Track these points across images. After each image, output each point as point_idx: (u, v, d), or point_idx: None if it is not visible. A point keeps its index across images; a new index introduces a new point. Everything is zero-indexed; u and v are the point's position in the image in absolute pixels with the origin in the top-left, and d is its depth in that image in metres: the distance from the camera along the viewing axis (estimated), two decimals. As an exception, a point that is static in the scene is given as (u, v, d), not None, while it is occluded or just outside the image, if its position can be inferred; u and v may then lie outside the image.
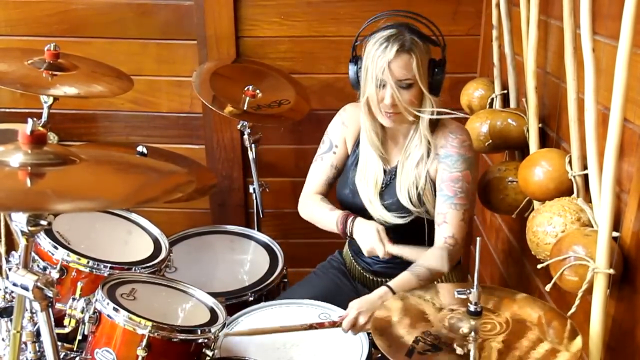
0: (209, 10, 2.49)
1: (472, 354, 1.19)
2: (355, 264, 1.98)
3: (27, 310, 1.53)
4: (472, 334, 1.25)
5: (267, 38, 2.56)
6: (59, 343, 1.66)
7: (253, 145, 2.36)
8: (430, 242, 1.80)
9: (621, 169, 1.36)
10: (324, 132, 1.96)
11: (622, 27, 1.20)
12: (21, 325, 1.39)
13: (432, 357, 1.21)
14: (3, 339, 1.76)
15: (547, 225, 1.47)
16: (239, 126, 2.35)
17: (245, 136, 2.35)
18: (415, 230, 1.81)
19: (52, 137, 2.31)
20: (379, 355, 1.65)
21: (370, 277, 1.93)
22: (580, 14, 1.34)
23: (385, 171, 1.83)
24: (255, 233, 2.33)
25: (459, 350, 1.21)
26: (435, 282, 1.70)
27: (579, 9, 1.36)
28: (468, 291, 1.30)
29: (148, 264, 1.82)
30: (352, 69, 1.77)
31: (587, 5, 1.33)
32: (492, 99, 2.20)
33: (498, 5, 2.06)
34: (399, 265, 1.87)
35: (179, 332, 1.54)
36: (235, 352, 1.64)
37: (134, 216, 2.03)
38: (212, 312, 1.69)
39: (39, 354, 1.49)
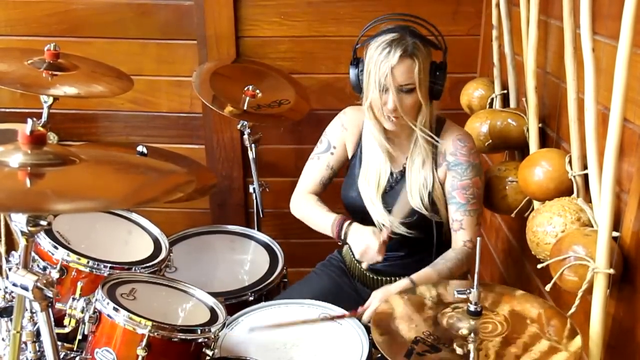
0: (209, 10, 2.49)
1: (471, 355, 1.19)
2: (355, 262, 1.98)
3: (27, 310, 1.53)
4: (472, 335, 1.25)
5: (267, 38, 2.56)
6: (59, 343, 1.66)
7: (253, 145, 2.36)
8: (438, 248, 1.84)
9: (621, 169, 1.36)
10: (324, 132, 1.96)
11: (622, 27, 1.20)
12: (21, 325, 1.39)
13: (431, 358, 1.21)
14: (3, 339, 1.76)
15: (547, 225, 1.47)
16: (239, 126, 2.35)
17: (245, 136, 2.35)
18: (426, 236, 1.82)
19: (52, 137, 2.31)
20: (379, 355, 1.65)
21: (371, 276, 1.93)
22: (580, 14, 1.34)
23: (392, 173, 1.83)
24: (255, 233, 2.33)
25: (458, 351, 1.21)
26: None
27: (579, 9, 1.36)
28: (468, 291, 1.30)
29: (148, 264, 1.82)
30: (352, 71, 1.77)
31: (587, 5, 1.33)
32: (492, 99, 2.20)
33: (498, 5, 2.06)
34: (399, 264, 1.88)
35: (179, 331, 1.54)
36: (235, 352, 1.64)
37: (134, 216, 2.03)
38: (212, 311, 1.69)
39: (39, 353, 1.49)
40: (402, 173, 1.83)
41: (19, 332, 1.38)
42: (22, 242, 1.25)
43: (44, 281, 1.23)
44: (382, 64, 1.64)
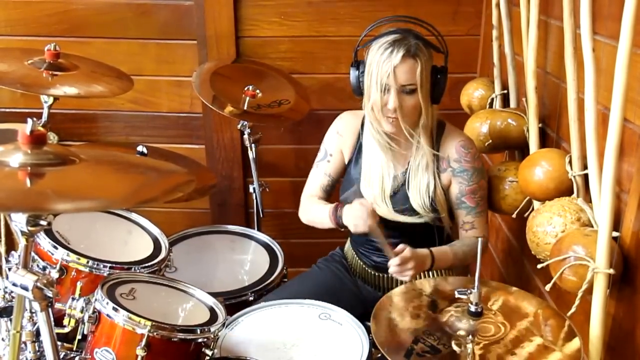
0: (209, 10, 2.49)
1: (469, 357, 1.19)
2: (357, 259, 1.98)
3: (26, 310, 1.53)
4: (471, 336, 1.25)
5: (267, 38, 2.56)
6: (59, 343, 1.66)
7: (253, 145, 2.36)
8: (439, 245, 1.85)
9: (621, 169, 1.36)
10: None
11: (622, 27, 1.20)
12: (21, 325, 1.39)
13: (431, 358, 1.21)
14: (3, 339, 1.76)
15: (547, 225, 1.47)
16: (239, 126, 2.35)
17: (245, 136, 2.35)
18: (427, 239, 1.84)
19: (52, 137, 2.31)
20: (379, 355, 1.65)
21: (372, 273, 1.94)
22: (580, 14, 1.34)
23: (395, 177, 1.83)
24: (255, 233, 2.33)
25: (458, 351, 1.21)
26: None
27: (579, 9, 1.36)
28: (469, 291, 1.30)
29: (148, 264, 1.81)
30: (353, 73, 1.77)
31: (587, 5, 1.33)
32: (492, 99, 2.20)
33: (498, 5, 2.06)
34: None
35: (178, 331, 1.54)
36: (235, 352, 1.64)
37: (134, 216, 2.02)
38: (212, 311, 1.69)
39: (38, 353, 1.49)
40: (406, 176, 1.83)
41: (19, 332, 1.38)
42: (22, 242, 1.25)
43: (44, 281, 1.23)
44: (385, 63, 1.64)
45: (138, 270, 1.77)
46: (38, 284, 1.22)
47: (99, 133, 2.74)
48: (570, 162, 1.53)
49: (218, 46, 2.54)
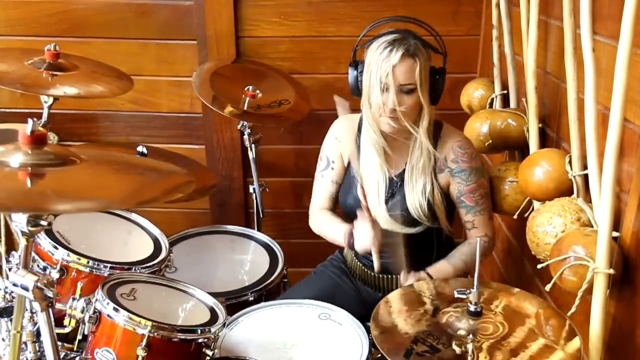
0: (209, 10, 2.49)
1: (469, 357, 1.19)
2: (356, 260, 1.98)
3: (27, 310, 1.53)
4: (471, 336, 1.25)
5: (267, 38, 2.56)
6: (59, 343, 1.66)
7: (253, 145, 2.36)
8: (439, 252, 1.86)
9: (621, 169, 1.36)
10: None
11: (622, 27, 1.20)
12: (21, 325, 1.39)
13: (430, 358, 1.21)
14: (3, 339, 1.76)
15: (547, 225, 1.47)
16: (239, 126, 2.35)
17: (245, 136, 2.35)
18: (426, 240, 1.84)
19: (52, 137, 2.31)
20: (379, 355, 1.65)
21: (372, 274, 1.93)
22: (580, 14, 1.34)
23: (391, 180, 1.83)
24: (255, 233, 2.33)
25: (457, 351, 1.21)
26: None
27: (579, 9, 1.36)
28: (468, 291, 1.30)
29: (148, 264, 1.82)
30: (351, 73, 1.77)
31: (587, 5, 1.33)
32: (492, 99, 2.20)
33: (498, 5, 2.06)
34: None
35: (179, 331, 1.54)
36: (235, 352, 1.64)
37: (134, 216, 2.02)
38: (212, 312, 1.69)
39: (39, 354, 1.49)
40: (402, 178, 1.83)
41: (19, 332, 1.38)
42: (22, 242, 1.25)
43: (44, 281, 1.23)
44: (384, 62, 1.64)
45: (138, 271, 1.77)
46: (38, 284, 1.22)
47: (99, 133, 2.74)
48: (570, 162, 1.53)
49: (218, 46, 2.54)
